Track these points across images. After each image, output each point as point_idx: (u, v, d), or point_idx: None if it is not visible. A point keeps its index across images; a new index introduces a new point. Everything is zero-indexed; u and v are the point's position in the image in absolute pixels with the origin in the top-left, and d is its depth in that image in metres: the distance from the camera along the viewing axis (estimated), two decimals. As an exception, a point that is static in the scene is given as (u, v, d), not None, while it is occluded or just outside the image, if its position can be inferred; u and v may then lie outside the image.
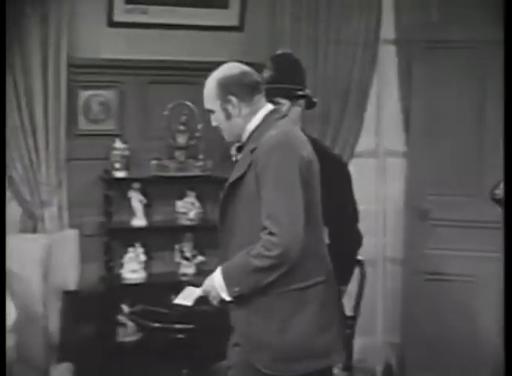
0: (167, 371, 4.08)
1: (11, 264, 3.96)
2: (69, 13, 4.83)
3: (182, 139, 5.15)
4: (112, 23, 5.08)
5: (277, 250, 2.86)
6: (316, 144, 3.75)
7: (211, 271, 3.02)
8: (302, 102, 3.73)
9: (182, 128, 5.13)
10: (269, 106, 3.17)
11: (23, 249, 4.14)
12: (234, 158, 3.38)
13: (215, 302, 3.03)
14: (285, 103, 3.67)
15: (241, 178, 3.00)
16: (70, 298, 4.06)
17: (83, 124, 5.13)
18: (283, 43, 5.07)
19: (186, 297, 3.32)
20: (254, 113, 3.11)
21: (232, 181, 3.05)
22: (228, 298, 2.98)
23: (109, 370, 4.69)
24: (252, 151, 2.99)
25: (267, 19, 5.30)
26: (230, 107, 3.06)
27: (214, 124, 3.15)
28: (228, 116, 3.09)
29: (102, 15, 5.07)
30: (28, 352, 3.64)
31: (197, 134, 5.12)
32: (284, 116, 3.20)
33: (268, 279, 2.92)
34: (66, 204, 4.96)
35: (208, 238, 4.88)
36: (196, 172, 5.14)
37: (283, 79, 3.67)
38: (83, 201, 5.07)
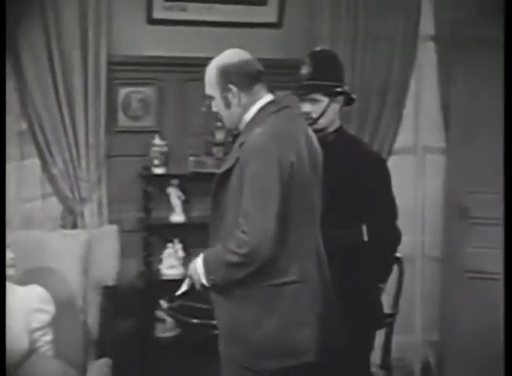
0: (205, 367, 4.07)
1: (51, 259, 4.03)
2: (108, 11, 4.85)
3: (220, 136, 5.15)
4: (151, 21, 5.09)
5: (246, 248, 2.86)
6: (354, 141, 3.77)
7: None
8: (341, 98, 3.72)
9: (219, 124, 4.87)
10: (267, 98, 3.13)
11: (63, 245, 4.16)
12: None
13: (198, 286, 3.07)
14: (323, 100, 3.67)
15: (230, 170, 3.01)
16: (109, 294, 4.06)
17: (122, 121, 5.16)
18: (322, 40, 5.05)
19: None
20: (252, 103, 3.09)
21: (221, 172, 3.06)
22: (206, 284, 3.02)
23: (147, 365, 4.71)
24: (240, 146, 2.99)
25: (305, 16, 5.28)
26: (230, 96, 3.08)
27: (214, 109, 3.16)
28: (228, 104, 3.10)
29: (142, 12, 5.08)
30: (67, 347, 3.65)
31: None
32: (283, 108, 3.13)
33: (238, 274, 2.92)
34: (105, 200, 4.98)
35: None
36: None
37: (322, 76, 3.67)
38: (122, 197, 5.10)
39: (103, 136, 4.92)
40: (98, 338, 4.06)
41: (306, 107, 3.69)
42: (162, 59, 5.09)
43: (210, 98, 3.15)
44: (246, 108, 3.09)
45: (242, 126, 3.13)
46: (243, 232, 2.87)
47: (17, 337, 3.44)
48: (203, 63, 4.83)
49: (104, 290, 4.11)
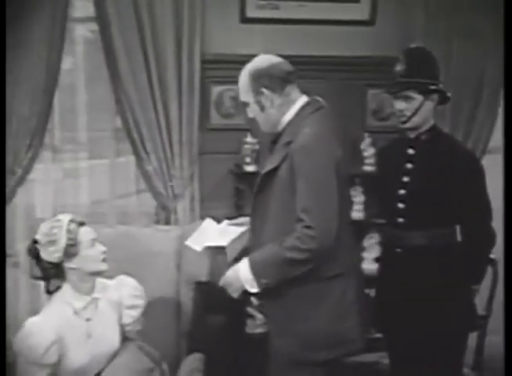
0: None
1: (145, 254, 4.09)
2: (202, 10, 4.87)
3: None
4: (244, 19, 5.11)
5: (313, 244, 2.94)
6: (448, 140, 3.71)
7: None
8: (435, 96, 3.68)
9: None
10: (304, 98, 3.25)
11: (156, 240, 4.21)
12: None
13: (235, 295, 3.12)
14: (417, 98, 3.63)
15: (275, 169, 3.09)
16: (202, 289, 4.08)
17: (215, 119, 5.16)
18: (415, 37, 4.97)
19: (217, 237, 3.39)
20: (288, 104, 3.22)
21: (266, 171, 3.13)
22: (254, 290, 3.05)
23: (238, 361, 4.71)
24: (287, 144, 3.07)
25: (398, 13, 5.20)
26: (263, 99, 3.19)
27: (250, 115, 3.27)
28: (262, 108, 3.21)
29: (235, 11, 5.10)
30: (159, 342, 3.69)
31: None
32: (320, 108, 3.25)
33: (297, 272, 3.00)
34: (197, 196, 5.00)
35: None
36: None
37: (416, 73, 3.64)
38: (214, 194, 5.11)
39: (196, 134, 4.94)
40: (190, 333, 4.09)
41: (399, 105, 3.66)
42: (255, 57, 5.06)
43: (245, 104, 3.25)
44: (281, 109, 3.21)
45: (281, 126, 3.23)
46: (308, 227, 2.93)
47: (109, 334, 3.49)
48: (296, 61, 4.83)
49: (196, 285, 4.13)
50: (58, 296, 3.34)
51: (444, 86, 3.71)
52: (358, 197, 5.03)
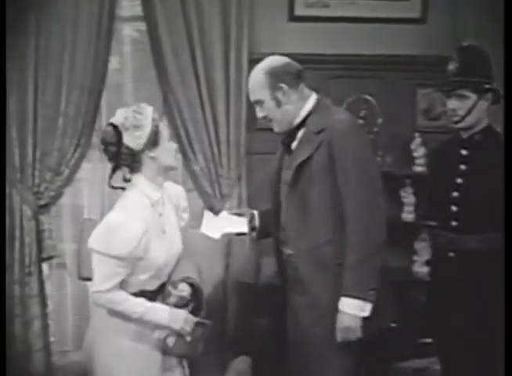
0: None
1: (192, 255, 4.02)
2: (250, 8, 4.85)
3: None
4: (292, 18, 5.07)
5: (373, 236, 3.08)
6: (503, 141, 3.59)
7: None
8: (489, 96, 3.60)
9: (360, 122, 4.81)
10: (315, 94, 3.34)
11: (204, 241, 4.15)
12: None
13: (358, 334, 3.14)
14: (471, 97, 3.56)
15: (308, 159, 3.16)
16: (248, 291, 4.03)
17: (261, 119, 5.05)
18: (468, 35, 4.84)
19: (232, 225, 3.48)
20: (303, 99, 3.30)
21: (299, 163, 3.16)
22: (368, 312, 3.10)
23: (285, 364, 4.66)
24: (319, 133, 3.13)
25: (450, 11, 5.11)
26: (280, 95, 3.26)
27: (260, 115, 3.33)
28: (279, 103, 3.27)
29: (283, 10, 5.06)
30: (206, 345, 3.64)
31: (376, 128, 4.94)
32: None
33: (381, 256, 3.15)
34: (245, 197, 4.96)
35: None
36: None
37: (470, 72, 3.56)
38: (261, 195, 5.02)
39: (244, 134, 4.91)
40: (237, 336, 4.05)
41: (452, 104, 3.59)
42: (303, 56, 4.87)
43: (257, 103, 3.28)
44: (297, 104, 3.29)
45: (298, 120, 3.29)
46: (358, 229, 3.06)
47: (176, 233, 3.41)
48: (346, 60, 5.00)
49: (243, 287, 4.10)
50: (133, 187, 3.23)
51: (498, 85, 3.61)
52: (408, 199, 4.97)
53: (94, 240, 3.09)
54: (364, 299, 3.11)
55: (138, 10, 4.85)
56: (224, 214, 3.63)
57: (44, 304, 4.84)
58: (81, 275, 3.95)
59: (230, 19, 4.79)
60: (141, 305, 3.13)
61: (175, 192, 3.45)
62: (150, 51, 4.84)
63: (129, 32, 5.11)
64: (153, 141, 3.17)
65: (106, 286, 3.09)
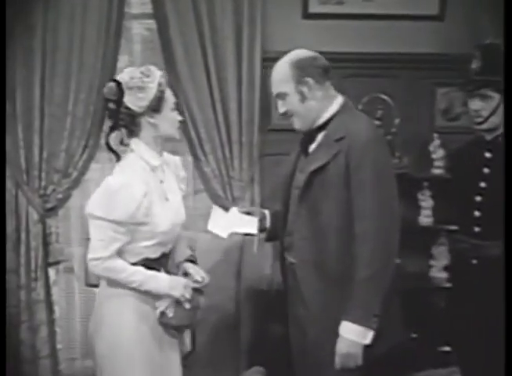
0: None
1: (203, 261, 3.91)
2: (263, 5, 4.76)
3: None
4: (307, 15, 4.97)
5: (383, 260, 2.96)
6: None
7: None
8: (514, 95, 3.47)
9: (377, 123, 4.79)
10: (340, 96, 3.23)
11: (215, 246, 4.08)
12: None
13: (358, 362, 3.02)
14: (495, 97, 3.48)
15: (324, 165, 3.05)
16: (262, 298, 3.93)
17: (276, 119, 4.88)
18: (487, 32, 4.70)
19: (241, 224, 3.36)
20: (329, 98, 3.18)
21: (314, 168, 3.07)
22: (369, 340, 2.98)
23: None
24: (338, 141, 3.04)
25: (469, 7, 4.99)
26: (306, 89, 3.13)
27: (282, 110, 3.22)
28: (303, 98, 3.14)
29: (297, 7, 4.97)
30: (219, 354, 3.55)
31: (393, 129, 4.85)
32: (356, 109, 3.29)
33: (388, 280, 3.00)
34: (258, 199, 4.87)
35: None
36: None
37: (493, 71, 3.47)
38: (275, 198, 4.93)
39: (257, 134, 4.83)
40: (250, 346, 3.98)
41: (475, 105, 3.52)
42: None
43: (280, 96, 3.19)
44: (322, 103, 3.16)
45: (320, 121, 3.17)
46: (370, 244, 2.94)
47: (179, 202, 3.37)
48: (361, 58, 4.93)
49: (257, 294, 4.03)
50: (132, 153, 3.17)
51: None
52: (426, 202, 4.91)
53: (91, 205, 3.03)
54: (366, 326, 2.98)
55: (148, 8, 4.79)
56: (234, 211, 3.52)
57: (51, 310, 4.80)
58: (88, 281, 3.87)
59: (242, 16, 4.71)
60: (140, 273, 3.08)
61: (173, 161, 3.40)
62: (160, 49, 4.77)
63: (139, 31, 5.07)
64: (155, 106, 3.12)
65: (105, 253, 3.03)
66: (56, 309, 4.89)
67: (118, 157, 3.18)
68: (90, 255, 3.06)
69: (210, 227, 3.46)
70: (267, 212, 3.52)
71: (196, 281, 3.20)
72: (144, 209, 3.02)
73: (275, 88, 3.22)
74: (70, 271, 5.01)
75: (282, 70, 3.19)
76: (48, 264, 4.77)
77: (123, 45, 4.82)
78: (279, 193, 3.49)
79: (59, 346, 4.88)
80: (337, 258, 3.06)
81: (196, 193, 4.99)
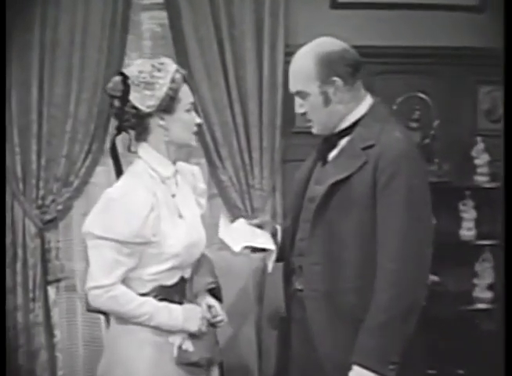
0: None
1: (221, 282, 3.61)
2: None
3: (415, 139, 4.59)
4: (335, 5, 4.80)
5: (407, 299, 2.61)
6: None
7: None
8: None
9: (414, 125, 4.68)
10: (369, 97, 2.86)
11: (234, 265, 3.79)
12: None
13: None
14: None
15: (347, 178, 2.72)
16: (285, 325, 3.58)
17: (301, 121, 4.59)
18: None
19: (256, 238, 3.01)
20: (356, 100, 2.80)
21: (334, 181, 2.73)
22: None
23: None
24: (366, 149, 2.71)
25: (512, -2, 4.85)
26: (332, 90, 2.75)
27: (300, 110, 2.84)
28: (327, 101, 2.77)
29: (325, -5, 4.89)
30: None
31: (432, 132, 4.68)
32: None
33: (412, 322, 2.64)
34: (280, 211, 4.70)
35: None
36: (431, 178, 4.62)
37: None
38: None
39: (279, 138, 4.69)
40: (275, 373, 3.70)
41: None
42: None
43: (300, 94, 2.81)
44: (349, 106, 2.80)
45: (343, 125, 2.81)
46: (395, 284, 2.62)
47: (198, 220, 3.03)
48: (396, 53, 4.70)
49: (280, 321, 3.67)
50: (139, 159, 2.85)
51: None
52: (468, 213, 4.74)
53: (88, 223, 2.71)
54: (381, 374, 2.62)
55: (160, -2, 4.76)
56: (241, 223, 3.16)
57: (51, 333, 4.64)
58: (91, 306, 3.53)
59: (263, 6, 4.57)
60: (150, 305, 2.76)
61: (190, 171, 3.08)
62: (172, 45, 4.65)
63: (150, 26, 4.92)
64: (167, 107, 2.77)
65: (107, 280, 2.70)
66: (57, 332, 4.74)
67: (119, 169, 2.87)
68: (89, 284, 2.72)
69: (220, 235, 3.11)
70: (279, 227, 3.15)
71: (216, 321, 2.91)
72: (151, 225, 2.69)
73: (295, 84, 2.82)
74: (72, 290, 4.83)
75: (304, 65, 2.76)
76: (47, 282, 4.61)
77: (132, 41, 4.73)
78: (289, 204, 3.20)
79: (60, 373, 4.74)
80: (354, 290, 2.71)
81: (211, 198, 4.77)
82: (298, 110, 2.83)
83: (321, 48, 2.75)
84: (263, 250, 3.05)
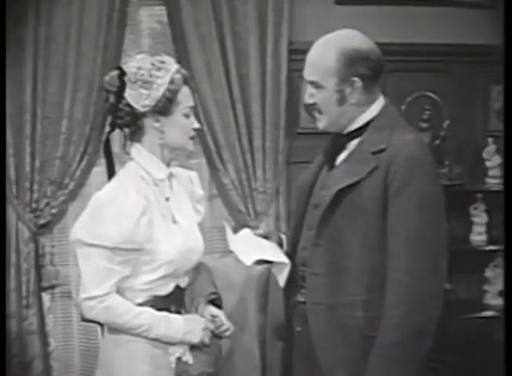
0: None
1: (222, 290, 3.42)
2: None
3: (425, 140, 4.50)
4: (340, 0, 4.72)
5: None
6: None
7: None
8: None
9: (423, 125, 4.62)
10: (382, 97, 2.72)
11: (236, 273, 3.60)
12: None
13: None
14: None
15: (355, 184, 2.60)
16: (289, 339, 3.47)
17: (305, 121, 4.68)
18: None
19: (266, 250, 2.87)
20: (370, 101, 2.67)
21: (342, 187, 2.60)
22: None
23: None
24: (377, 153, 2.59)
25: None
26: (349, 90, 2.61)
27: (310, 101, 2.68)
28: (343, 100, 2.63)
29: (329, -10, 4.84)
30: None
31: (442, 133, 4.63)
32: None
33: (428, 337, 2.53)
34: (284, 214, 4.64)
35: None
36: (441, 181, 4.56)
37: None
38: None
39: (283, 139, 4.64)
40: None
41: None
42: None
43: (313, 85, 2.65)
44: (362, 107, 2.67)
45: (353, 127, 2.69)
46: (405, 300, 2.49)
47: (194, 226, 2.94)
48: (405, 50, 4.69)
49: (286, 333, 3.38)
50: (131, 161, 2.78)
51: None
52: (479, 217, 4.75)
53: (77, 229, 2.61)
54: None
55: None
56: (247, 234, 3.04)
57: (45, 342, 4.57)
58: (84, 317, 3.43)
59: (267, 1, 4.52)
60: (148, 315, 2.67)
61: (187, 176, 3.01)
62: (172, 42, 4.60)
63: (148, 23, 4.87)
64: (163, 109, 2.68)
65: (100, 290, 2.60)
66: (52, 340, 4.68)
67: (111, 170, 2.77)
68: (81, 295, 2.62)
69: (232, 248, 2.98)
70: (284, 237, 3.03)
71: (221, 331, 2.81)
72: (143, 230, 2.59)
73: (311, 73, 2.65)
74: (67, 296, 4.76)
75: (325, 56, 2.60)
76: (41, 289, 4.55)
77: (131, 39, 4.68)
78: (292, 209, 3.03)
79: (55, 383, 4.76)
80: (360, 304, 2.58)
81: (210, 198, 4.80)
82: (308, 99, 2.68)
83: (345, 43, 2.62)
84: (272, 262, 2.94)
